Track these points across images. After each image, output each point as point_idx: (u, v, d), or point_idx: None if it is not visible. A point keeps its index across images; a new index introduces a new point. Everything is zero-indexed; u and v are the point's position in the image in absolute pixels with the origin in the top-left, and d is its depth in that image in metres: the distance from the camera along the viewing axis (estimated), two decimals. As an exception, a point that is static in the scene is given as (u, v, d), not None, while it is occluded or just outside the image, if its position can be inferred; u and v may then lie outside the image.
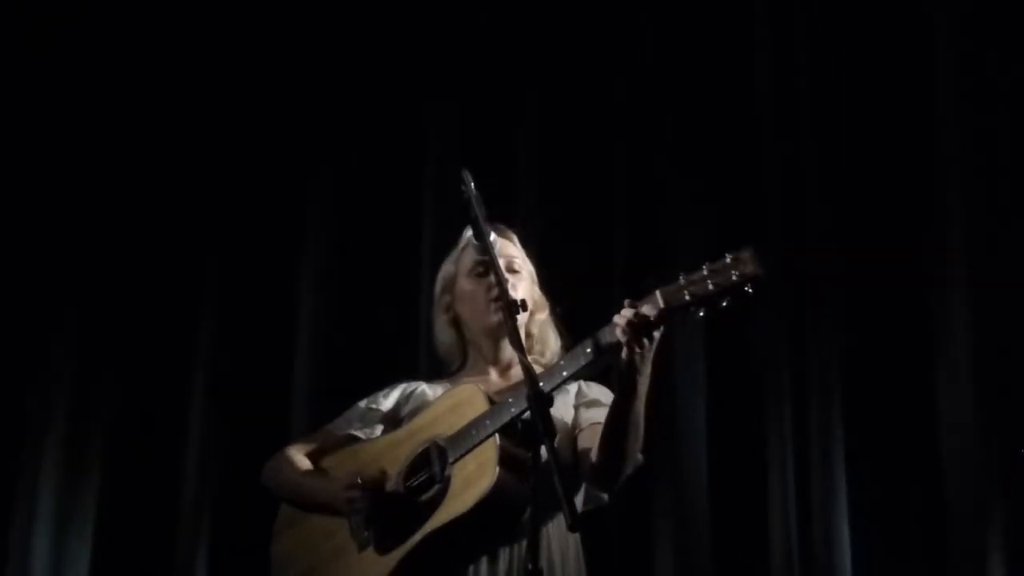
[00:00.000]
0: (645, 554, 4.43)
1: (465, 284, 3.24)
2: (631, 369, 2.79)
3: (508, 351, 3.21)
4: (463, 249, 3.28)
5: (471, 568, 2.89)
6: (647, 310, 2.71)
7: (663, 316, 2.72)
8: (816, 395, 4.41)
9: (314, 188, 4.92)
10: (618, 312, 2.77)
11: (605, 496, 3.09)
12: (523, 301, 2.86)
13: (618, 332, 2.75)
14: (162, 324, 4.75)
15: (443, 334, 3.32)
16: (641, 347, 2.76)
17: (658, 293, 2.73)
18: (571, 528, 2.48)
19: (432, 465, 2.95)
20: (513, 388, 3.06)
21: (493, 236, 2.89)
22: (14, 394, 4.61)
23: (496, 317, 3.14)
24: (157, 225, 4.80)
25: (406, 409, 3.19)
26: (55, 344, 4.68)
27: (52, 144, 4.79)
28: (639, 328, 2.72)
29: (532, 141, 4.85)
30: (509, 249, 3.26)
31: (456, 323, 3.29)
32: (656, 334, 2.75)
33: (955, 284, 4.36)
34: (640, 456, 2.97)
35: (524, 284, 3.22)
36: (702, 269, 2.70)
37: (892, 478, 4.33)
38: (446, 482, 2.90)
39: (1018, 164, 4.35)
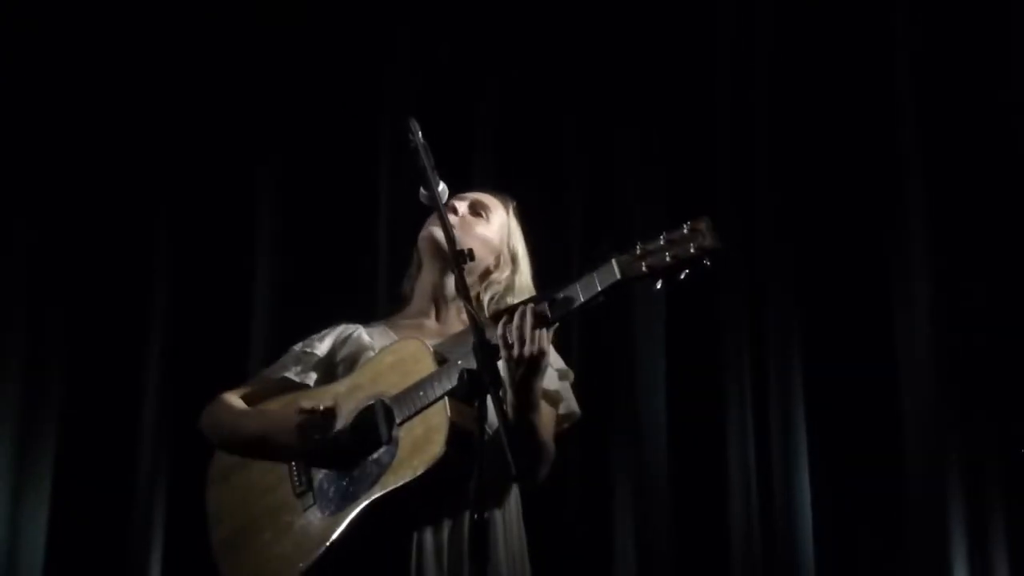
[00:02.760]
0: (604, 517, 4.44)
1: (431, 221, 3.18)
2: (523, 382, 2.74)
3: (450, 295, 3.14)
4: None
5: (415, 535, 2.83)
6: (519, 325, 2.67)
7: (545, 321, 2.68)
8: (775, 356, 4.46)
9: (269, 156, 4.86)
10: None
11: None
12: (471, 250, 2.80)
13: (500, 333, 2.70)
14: (115, 285, 4.69)
15: (409, 276, 3.29)
16: (523, 360, 2.70)
17: (614, 262, 2.66)
18: (516, 478, 2.45)
19: (378, 425, 2.89)
20: (453, 340, 3.00)
21: (444, 188, 2.81)
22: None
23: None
24: (108, 181, 4.73)
25: (342, 353, 3.11)
26: (6, 311, 4.62)
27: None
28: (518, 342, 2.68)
29: (488, 110, 4.81)
30: (487, 200, 3.21)
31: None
32: (536, 347, 2.69)
33: (913, 243, 4.40)
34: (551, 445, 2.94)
35: (481, 229, 3.14)
36: (659, 239, 2.63)
37: (852, 442, 4.35)
38: (394, 444, 2.84)
39: (974, 129, 4.39)
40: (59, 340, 4.63)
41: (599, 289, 2.67)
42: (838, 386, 4.35)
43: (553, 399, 2.95)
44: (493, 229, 3.18)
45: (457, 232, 2.98)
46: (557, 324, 2.75)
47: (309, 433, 2.88)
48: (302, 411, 2.89)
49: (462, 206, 3.16)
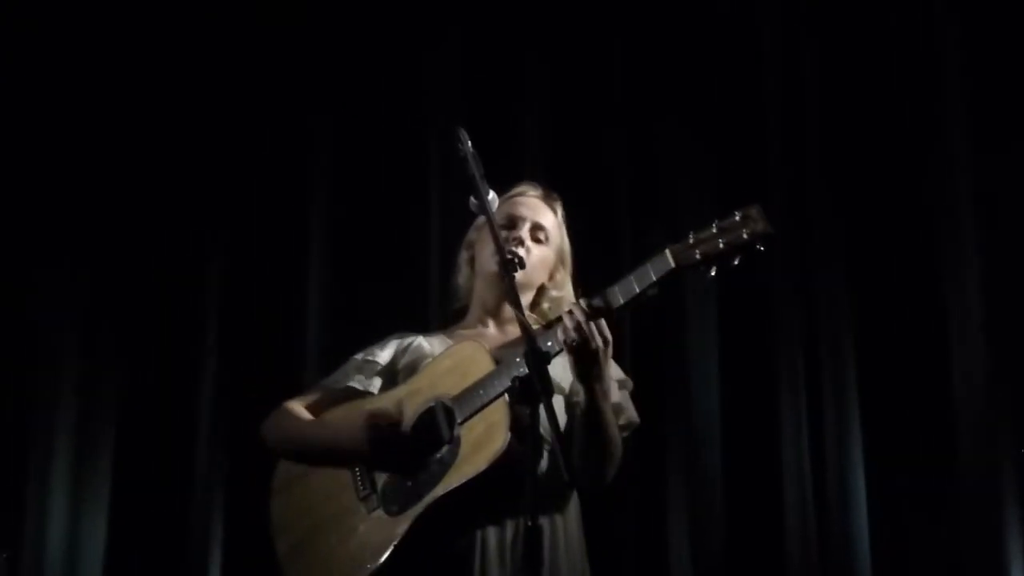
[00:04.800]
0: (658, 519, 4.44)
1: (487, 231, 3.20)
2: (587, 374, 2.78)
3: (508, 316, 3.18)
4: (506, 198, 3.24)
5: (479, 533, 2.86)
6: (584, 314, 2.71)
7: (605, 313, 2.71)
8: (828, 356, 4.44)
9: (321, 159, 4.90)
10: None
11: None
12: (520, 259, 2.81)
13: (561, 338, 2.74)
14: (170, 292, 4.73)
15: (460, 273, 3.32)
16: (590, 354, 2.74)
17: (668, 251, 2.69)
18: (570, 482, 2.46)
19: (439, 426, 2.93)
20: (512, 345, 3.03)
21: (494, 196, 2.82)
22: (23, 370, 4.61)
23: (494, 268, 3.12)
24: (161, 187, 4.78)
25: (403, 362, 3.16)
26: (62, 317, 4.68)
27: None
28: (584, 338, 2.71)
29: (534, 103, 4.83)
30: (542, 217, 3.23)
31: (472, 265, 3.27)
32: (600, 338, 2.73)
33: (966, 242, 4.36)
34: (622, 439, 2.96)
35: (541, 254, 3.17)
36: (711, 227, 2.67)
37: (906, 441, 4.33)
38: (455, 444, 2.88)
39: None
40: (114, 348, 4.68)
41: (653, 279, 2.71)
42: (892, 385, 4.33)
43: (615, 411, 2.96)
44: (550, 246, 3.22)
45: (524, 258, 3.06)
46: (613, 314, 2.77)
47: (375, 440, 2.91)
48: (367, 419, 2.93)
49: (524, 233, 3.17)
